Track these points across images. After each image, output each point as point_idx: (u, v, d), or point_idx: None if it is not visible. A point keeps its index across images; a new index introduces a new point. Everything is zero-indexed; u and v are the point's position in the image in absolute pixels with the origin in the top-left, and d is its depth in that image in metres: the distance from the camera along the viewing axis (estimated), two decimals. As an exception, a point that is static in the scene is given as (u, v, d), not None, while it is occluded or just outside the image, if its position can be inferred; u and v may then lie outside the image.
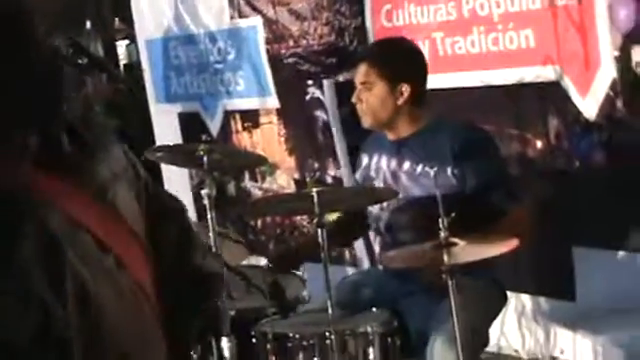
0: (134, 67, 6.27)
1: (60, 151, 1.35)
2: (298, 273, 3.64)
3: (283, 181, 5.18)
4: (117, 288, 1.36)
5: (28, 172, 1.29)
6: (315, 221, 3.13)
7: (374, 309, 3.34)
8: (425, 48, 4.11)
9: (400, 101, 3.43)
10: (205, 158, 3.39)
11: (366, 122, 3.49)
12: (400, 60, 3.49)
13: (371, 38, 4.49)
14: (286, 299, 3.36)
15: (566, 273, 4.04)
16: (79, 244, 1.31)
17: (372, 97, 3.43)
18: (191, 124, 5.51)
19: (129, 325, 1.37)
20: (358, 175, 3.69)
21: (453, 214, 2.94)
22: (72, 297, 1.26)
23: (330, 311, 3.11)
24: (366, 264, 4.73)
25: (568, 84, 3.88)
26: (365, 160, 3.66)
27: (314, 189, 3.16)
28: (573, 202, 3.98)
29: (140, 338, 1.41)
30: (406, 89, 3.42)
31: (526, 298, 4.28)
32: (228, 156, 3.74)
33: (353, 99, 3.49)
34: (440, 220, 2.94)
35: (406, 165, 3.47)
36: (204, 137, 5.24)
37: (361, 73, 3.45)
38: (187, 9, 5.38)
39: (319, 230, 3.11)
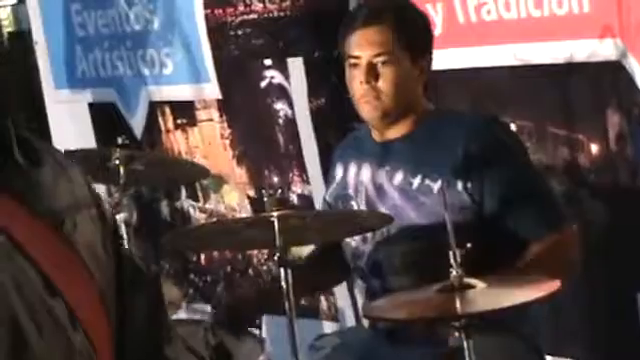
0: (25, 37, 6.25)
1: (11, 161, 1.53)
2: (254, 331, 3.66)
3: (233, 200, 5.21)
4: (65, 345, 1.50)
5: None
6: (277, 257, 3.11)
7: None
8: (438, 13, 4.13)
9: (419, 83, 3.47)
10: (122, 169, 3.37)
11: (377, 112, 3.47)
12: (421, 25, 3.53)
13: (353, 3, 4.47)
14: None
15: (630, 330, 4.01)
16: (25, 285, 1.47)
17: (395, 74, 3.43)
18: (105, 119, 5.52)
19: None
20: (328, 195, 3.70)
21: (468, 245, 2.94)
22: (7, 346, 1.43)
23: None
24: (350, 318, 4.71)
25: (633, 65, 3.87)
26: (339, 172, 3.67)
27: (274, 212, 3.13)
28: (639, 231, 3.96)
29: None
30: (424, 67, 3.47)
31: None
32: (155, 166, 3.73)
33: (359, 78, 3.46)
34: (451, 254, 2.93)
35: (398, 177, 3.50)
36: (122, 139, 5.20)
37: (374, 41, 3.44)
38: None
39: (282, 270, 3.10)
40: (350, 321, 4.74)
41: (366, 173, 3.55)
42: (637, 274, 4.00)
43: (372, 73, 3.43)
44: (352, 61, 3.47)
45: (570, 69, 4.06)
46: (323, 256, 3.68)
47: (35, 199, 1.53)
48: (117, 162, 3.32)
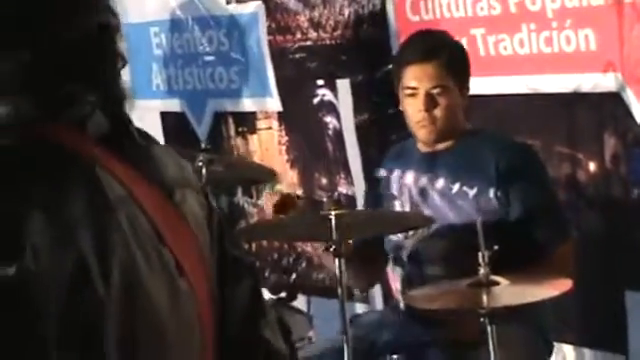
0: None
1: (127, 133, 1.51)
2: (302, 309, 3.65)
3: None
4: (171, 284, 1.45)
5: (89, 140, 1.45)
6: (332, 249, 3.13)
7: (394, 356, 3.35)
8: (463, 47, 4.10)
9: (463, 107, 3.51)
10: (204, 170, 3.38)
11: (432, 135, 3.50)
12: (465, 59, 3.56)
13: (393, 33, 4.50)
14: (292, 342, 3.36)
15: (617, 322, 4.03)
16: (133, 218, 1.43)
17: (449, 103, 3.46)
18: (174, 126, 5.51)
19: (175, 328, 1.45)
20: (373, 194, 3.69)
21: (496, 247, 2.95)
22: (118, 274, 1.38)
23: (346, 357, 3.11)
24: (379, 301, 4.73)
25: (630, 96, 3.88)
26: (383, 175, 3.66)
27: (332, 212, 3.16)
28: (629, 238, 3.98)
29: (183, 350, 1.47)
30: (466, 93, 3.50)
31: (569, 349, 4.27)
32: (231, 168, 3.74)
33: (418, 107, 3.46)
34: (480, 253, 2.95)
35: (440, 182, 3.52)
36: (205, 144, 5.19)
37: (433, 75, 3.45)
38: (175, -11, 5.40)
39: (336, 260, 3.13)
40: (378, 303, 4.74)
41: (409, 177, 3.57)
42: (625, 274, 3.99)
43: (430, 102, 3.44)
44: (409, 91, 3.48)
45: (575, 98, 4.05)
46: (368, 251, 3.65)
47: (149, 170, 1.51)
48: (200, 164, 3.34)
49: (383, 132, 4.57)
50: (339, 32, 4.75)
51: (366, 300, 4.84)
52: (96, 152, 1.45)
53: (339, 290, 3.15)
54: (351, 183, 4.86)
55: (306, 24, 4.88)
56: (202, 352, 1.51)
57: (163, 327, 1.44)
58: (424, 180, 3.53)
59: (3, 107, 1.40)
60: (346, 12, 4.71)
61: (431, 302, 3.20)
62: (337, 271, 3.15)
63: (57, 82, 1.43)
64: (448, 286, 3.11)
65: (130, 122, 1.52)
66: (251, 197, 5.33)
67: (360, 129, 4.75)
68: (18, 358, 1.34)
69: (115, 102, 1.50)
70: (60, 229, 1.36)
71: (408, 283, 3.51)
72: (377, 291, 4.76)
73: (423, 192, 3.52)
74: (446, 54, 3.49)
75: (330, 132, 4.91)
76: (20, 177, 1.40)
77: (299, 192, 5.08)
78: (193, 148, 4.58)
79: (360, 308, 4.76)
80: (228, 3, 5.18)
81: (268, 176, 4.24)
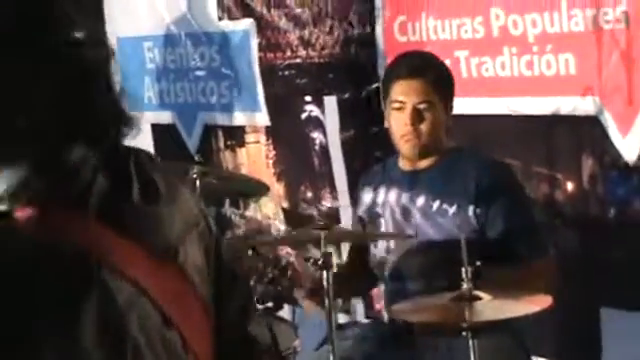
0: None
1: (129, 200, 1.42)
2: (287, 319, 3.65)
3: (269, 210, 5.21)
4: None
5: (93, 226, 1.36)
6: (321, 262, 3.16)
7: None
8: (446, 68, 4.13)
9: (446, 124, 3.52)
10: (198, 182, 3.40)
11: (416, 150, 3.51)
12: (450, 78, 3.59)
13: (380, 53, 4.55)
14: (280, 352, 3.38)
15: (592, 337, 4.08)
16: (142, 314, 1.39)
17: (434, 119, 3.48)
18: (164, 138, 5.53)
19: None
20: (361, 212, 3.72)
21: (478, 262, 2.97)
22: None
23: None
24: (360, 312, 4.76)
25: (608, 120, 3.93)
26: (369, 194, 3.69)
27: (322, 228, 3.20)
28: (605, 256, 4.02)
29: None
30: (449, 111, 3.52)
31: (545, 364, 4.31)
32: (224, 181, 3.75)
33: (404, 120, 3.48)
34: (463, 269, 2.97)
35: (420, 200, 3.53)
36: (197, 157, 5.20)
37: (419, 91, 3.48)
38: (167, 6, 5.41)
39: (324, 272, 3.15)
40: (360, 315, 4.78)
41: (392, 195, 3.58)
42: (600, 291, 4.02)
43: (416, 116, 3.46)
44: (396, 105, 3.50)
45: (554, 120, 4.09)
46: (355, 265, 3.69)
47: (153, 237, 1.44)
48: (195, 176, 3.34)
49: (368, 148, 4.62)
50: (328, 51, 4.81)
51: (347, 311, 4.86)
52: (102, 241, 1.37)
53: (326, 302, 3.16)
54: (335, 197, 4.89)
55: (296, 42, 4.92)
56: None
57: None
58: (405, 198, 3.55)
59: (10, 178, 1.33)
60: (335, 32, 4.75)
61: (414, 315, 3.21)
62: (324, 283, 3.16)
63: (61, 145, 1.36)
64: (431, 300, 3.11)
65: (132, 179, 1.44)
66: (238, 208, 5.33)
67: (345, 145, 4.80)
68: None
69: (118, 157, 1.43)
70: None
71: (391, 297, 3.53)
72: (358, 303, 4.80)
73: (405, 210, 3.55)
74: (432, 72, 3.52)
75: (316, 147, 4.95)
76: (31, 299, 1.31)
77: (285, 205, 5.11)
78: (183, 159, 4.60)
79: (342, 319, 4.78)
80: (220, 20, 5.21)
81: (261, 189, 4.25)
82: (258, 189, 4.27)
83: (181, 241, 1.47)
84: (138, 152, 1.48)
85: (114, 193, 1.40)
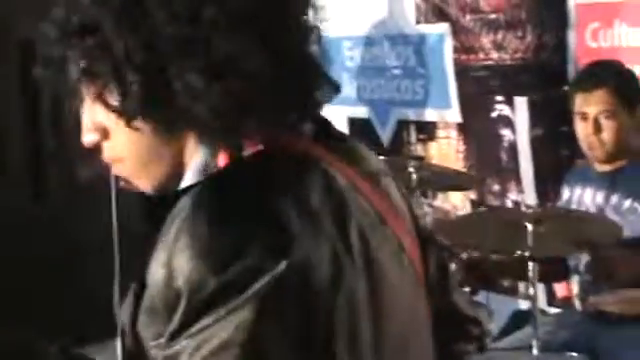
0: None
1: (334, 138, 1.54)
2: (482, 302, 3.72)
3: (457, 200, 5.29)
4: (397, 258, 1.50)
5: (310, 141, 1.49)
6: (527, 254, 3.25)
7: (573, 354, 3.43)
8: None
9: (632, 129, 3.57)
10: (415, 176, 3.51)
11: (601, 157, 3.59)
12: (634, 84, 3.63)
13: (571, 57, 4.60)
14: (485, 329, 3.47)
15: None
16: (358, 204, 1.46)
17: (617, 126, 3.54)
18: (360, 131, 5.67)
19: (406, 296, 1.51)
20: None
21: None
22: (357, 252, 1.41)
23: (536, 352, 3.24)
24: (542, 300, 4.82)
25: None
26: (567, 193, 3.78)
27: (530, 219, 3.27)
28: None
29: (414, 315, 1.53)
30: (636, 116, 3.57)
31: None
32: (436, 175, 3.85)
33: (589, 130, 3.55)
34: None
35: (614, 199, 3.61)
36: (375, 146, 5.32)
37: (600, 102, 3.54)
38: (369, 10, 5.55)
39: (530, 264, 3.25)
40: (541, 302, 4.74)
41: (588, 195, 3.67)
42: None
43: (597, 127, 3.54)
44: (580, 116, 3.60)
45: None
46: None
47: (357, 162, 1.52)
48: (412, 170, 3.47)
49: (556, 147, 4.68)
50: (520, 54, 4.86)
51: (529, 297, 4.90)
52: (318, 151, 1.48)
53: (530, 290, 3.26)
54: (521, 191, 4.95)
55: (489, 45, 5.00)
56: (426, 316, 1.57)
57: (397, 294, 1.47)
58: (600, 197, 3.63)
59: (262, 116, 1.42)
60: (528, 37, 4.82)
61: (618, 307, 3.31)
62: (530, 274, 3.26)
63: (290, 92, 1.46)
64: (634, 292, 3.18)
65: (330, 124, 1.56)
66: (426, 197, 5.41)
67: (534, 143, 4.84)
68: (305, 348, 1.32)
69: (316, 107, 1.52)
70: (310, 220, 1.37)
71: (586, 289, 3.62)
72: (541, 291, 4.84)
73: (599, 209, 3.63)
74: (614, 81, 3.57)
75: (505, 144, 4.99)
76: (275, 179, 1.40)
77: (472, 196, 5.19)
78: (377, 151, 4.72)
79: (523, 305, 4.85)
80: (418, 23, 5.34)
81: (471, 183, 4.32)
82: (469, 183, 4.34)
83: (382, 174, 1.56)
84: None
85: (317, 128, 1.51)
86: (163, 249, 1.34)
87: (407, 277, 1.52)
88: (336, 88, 1.54)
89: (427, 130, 5.44)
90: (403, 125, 5.54)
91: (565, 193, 3.80)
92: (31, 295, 10.48)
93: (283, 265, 1.30)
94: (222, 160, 1.44)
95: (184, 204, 1.36)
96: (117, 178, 1.54)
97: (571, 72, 4.56)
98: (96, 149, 1.48)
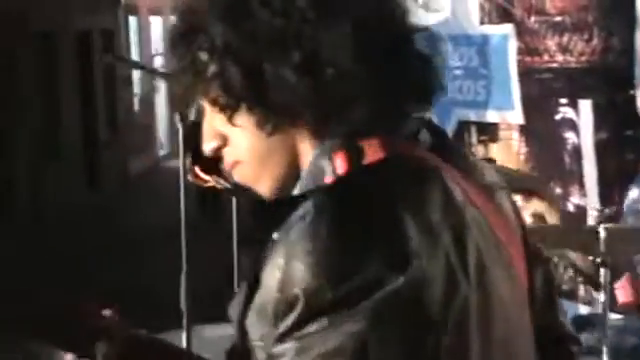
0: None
1: (450, 149, 1.55)
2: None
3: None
4: (507, 272, 1.50)
5: (427, 152, 1.50)
6: (599, 260, 3.24)
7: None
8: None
9: None
10: None
11: None
12: None
13: (638, 60, 4.54)
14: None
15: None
16: (476, 221, 1.47)
17: None
18: (420, 131, 5.66)
19: (514, 309, 1.50)
20: (625, 207, 3.75)
21: None
22: (472, 268, 1.42)
23: (605, 358, 3.20)
24: (599, 305, 4.76)
25: None
26: (635, 193, 3.72)
27: (601, 225, 3.26)
28: None
29: (520, 327, 1.52)
30: None
31: None
32: (512, 178, 3.83)
33: None
34: None
35: None
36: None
37: None
38: (432, 10, 5.52)
39: (602, 270, 3.21)
40: (599, 307, 4.80)
41: None
42: None
43: None
44: None
45: None
46: None
47: (472, 174, 1.53)
48: None
49: (621, 150, 4.62)
50: (585, 57, 4.81)
51: (589, 303, 4.87)
52: (436, 161, 1.49)
53: (603, 298, 3.22)
54: (584, 195, 4.90)
55: (554, 48, 4.95)
56: (530, 330, 1.56)
57: (506, 308, 1.47)
58: None
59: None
60: (594, 40, 4.76)
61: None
62: (601, 279, 3.22)
63: (403, 98, 1.48)
64: None
65: (445, 134, 1.57)
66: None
67: (598, 146, 4.79)
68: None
69: (420, 109, 1.53)
70: (429, 234, 1.38)
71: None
72: (600, 296, 4.79)
73: None
74: None
75: (568, 147, 4.94)
76: (397, 191, 1.42)
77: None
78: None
79: (583, 309, 4.80)
80: (482, 24, 5.29)
81: (541, 186, 4.31)
82: (536, 186, 4.33)
83: (497, 187, 1.57)
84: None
85: (434, 139, 1.52)
86: (280, 252, 1.34)
87: (515, 291, 1.52)
88: (442, 88, 1.54)
89: (488, 131, 5.41)
90: (464, 126, 5.52)
91: (632, 193, 3.75)
92: (81, 282, 10.60)
93: (400, 281, 1.32)
94: (341, 165, 1.43)
95: (306, 209, 1.37)
96: (185, 172, 1.59)
97: (638, 75, 4.50)
98: (217, 155, 1.52)
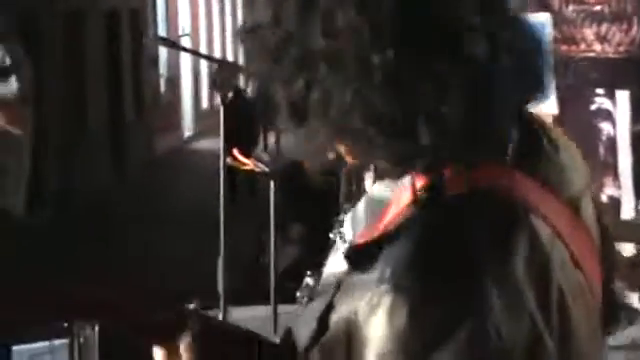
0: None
1: (537, 149, 1.40)
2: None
3: None
4: (587, 307, 1.40)
5: (513, 173, 1.34)
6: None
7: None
8: None
9: None
10: None
11: None
12: None
13: (675, 53, 4.48)
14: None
15: None
16: (557, 255, 1.35)
17: None
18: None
19: (592, 347, 1.41)
20: None
21: None
22: (555, 320, 1.32)
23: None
24: (634, 300, 4.69)
25: None
26: None
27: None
28: None
29: (593, 353, 1.42)
30: None
31: None
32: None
33: None
34: None
35: None
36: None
37: None
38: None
39: None
40: (636, 303, 4.63)
41: None
42: None
43: None
44: None
45: None
46: None
47: (560, 185, 1.40)
48: None
49: (657, 143, 4.57)
50: (624, 47, 4.74)
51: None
52: (522, 187, 1.36)
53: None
54: (618, 186, 4.83)
55: (591, 37, 4.87)
56: (602, 341, 1.48)
57: (583, 345, 1.39)
58: None
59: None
60: (633, 30, 4.68)
61: None
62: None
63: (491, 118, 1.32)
64: None
65: (538, 130, 1.43)
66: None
67: (634, 138, 4.73)
68: None
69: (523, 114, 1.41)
70: (512, 296, 1.29)
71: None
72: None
73: None
74: None
75: (604, 137, 4.89)
76: (483, 239, 1.30)
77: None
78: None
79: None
80: (518, 12, 5.21)
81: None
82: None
83: (583, 195, 1.44)
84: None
85: (526, 143, 1.38)
86: (365, 293, 1.30)
87: (592, 316, 1.43)
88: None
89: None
90: (497, 114, 5.43)
91: None
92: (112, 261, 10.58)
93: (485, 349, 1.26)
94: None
95: (393, 255, 1.30)
96: (225, 155, 1.51)
97: (677, 67, 4.43)
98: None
